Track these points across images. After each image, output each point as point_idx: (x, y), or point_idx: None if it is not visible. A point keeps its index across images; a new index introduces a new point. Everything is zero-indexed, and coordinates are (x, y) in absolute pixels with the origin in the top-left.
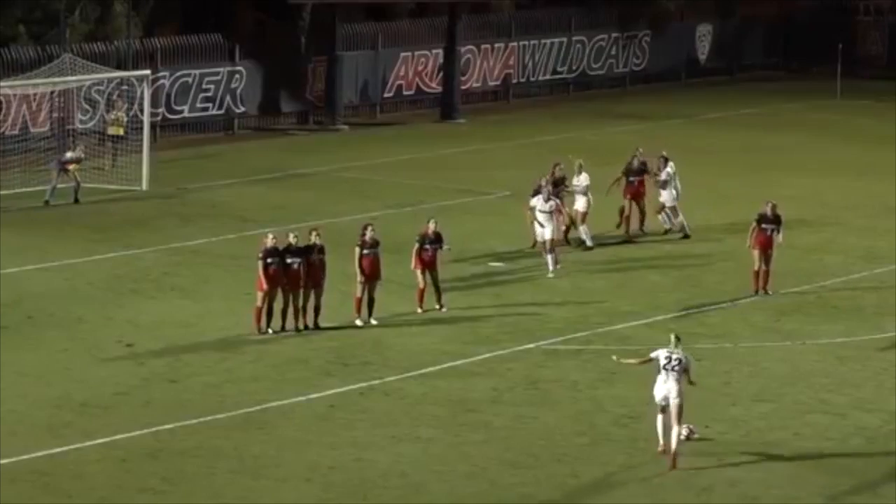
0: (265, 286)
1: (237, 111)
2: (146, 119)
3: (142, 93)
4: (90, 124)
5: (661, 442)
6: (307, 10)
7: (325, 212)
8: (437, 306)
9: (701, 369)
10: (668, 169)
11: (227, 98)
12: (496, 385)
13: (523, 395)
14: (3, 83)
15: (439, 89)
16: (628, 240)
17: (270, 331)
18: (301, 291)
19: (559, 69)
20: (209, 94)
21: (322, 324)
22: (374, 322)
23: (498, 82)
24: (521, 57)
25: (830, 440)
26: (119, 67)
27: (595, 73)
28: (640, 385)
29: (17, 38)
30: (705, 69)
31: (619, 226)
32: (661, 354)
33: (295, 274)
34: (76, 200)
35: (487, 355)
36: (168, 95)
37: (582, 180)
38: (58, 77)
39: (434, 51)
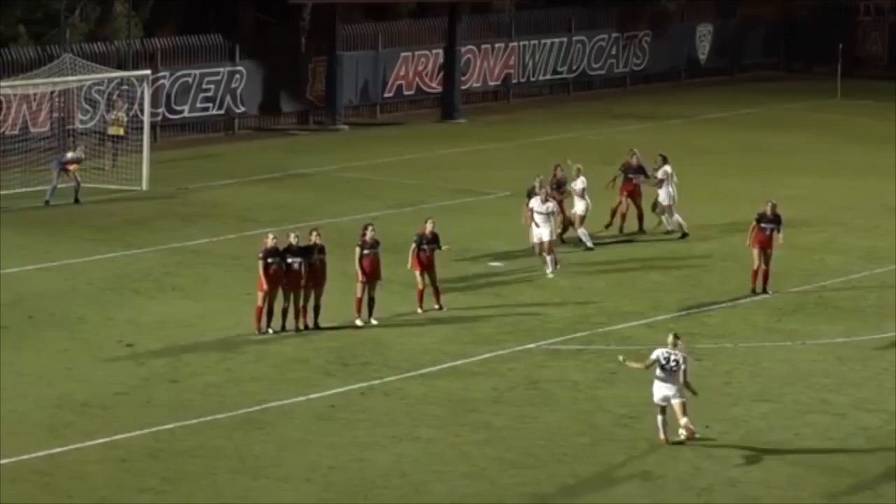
0: (266, 286)
1: (237, 111)
2: (146, 119)
3: (142, 93)
4: (90, 124)
5: (662, 436)
6: (307, 11)
7: (326, 212)
8: (436, 306)
9: (701, 369)
10: (666, 167)
11: (228, 98)
12: (497, 385)
13: (524, 395)
14: (3, 83)
15: (439, 89)
16: (625, 238)
17: (271, 331)
18: (301, 291)
19: (559, 69)
20: (209, 94)
21: (322, 324)
22: (374, 322)
23: (498, 82)
24: (521, 57)
25: (831, 440)
26: (119, 67)
27: (595, 73)
28: (641, 385)
29: (18, 38)
30: (705, 69)
31: (608, 226)
32: (659, 354)
33: (295, 274)
34: (76, 200)
35: (488, 355)
36: (168, 95)
37: (578, 184)
38: (58, 77)
39: (434, 51)
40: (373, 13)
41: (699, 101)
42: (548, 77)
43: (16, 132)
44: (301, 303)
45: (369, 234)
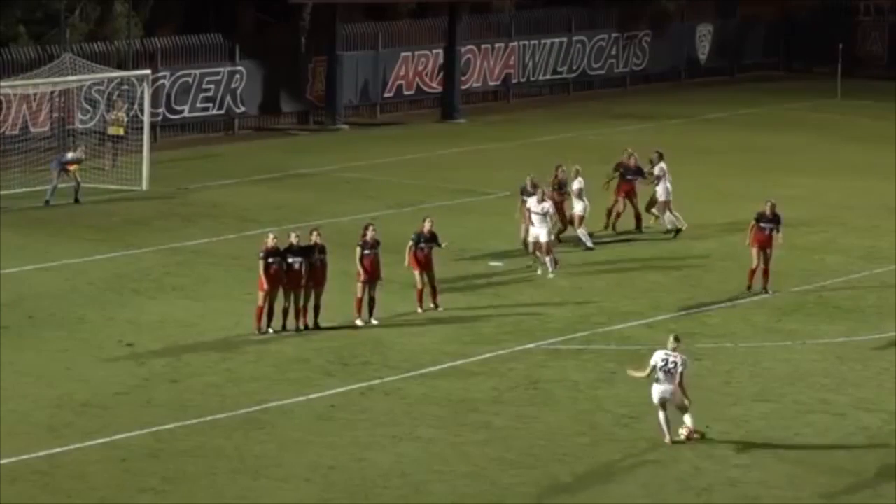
0: (266, 286)
1: (237, 111)
2: (146, 119)
3: (142, 93)
4: (90, 124)
5: (668, 436)
6: (307, 10)
7: (326, 212)
8: (432, 305)
9: (701, 369)
10: (662, 164)
11: (228, 98)
12: (497, 385)
13: (524, 395)
14: (3, 83)
15: (440, 89)
16: (624, 238)
17: (271, 331)
18: (302, 291)
19: (559, 69)
20: (209, 94)
21: (322, 324)
22: (374, 322)
23: (498, 82)
24: (521, 57)
25: (831, 440)
26: (119, 67)
27: (595, 73)
28: (641, 385)
29: (18, 38)
30: (705, 69)
31: (606, 227)
32: (657, 359)
33: (296, 274)
34: (76, 200)
35: (488, 355)
36: (168, 95)
37: (575, 184)
38: (58, 77)
39: (434, 51)
40: (373, 13)
41: (699, 101)
42: (548, 77)
43: (16, 132)
44: (301, 303)
45: (370, 234)
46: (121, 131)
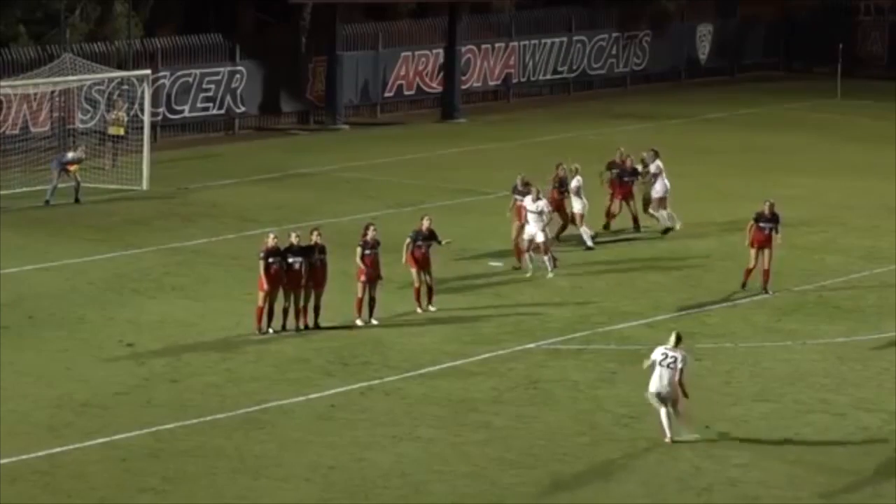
0: (266, 286)
1: (238, 111)
2: (147, 119)
3: (142, 93)
4: (91, 124)
5: (669, 434)
6: (307, 10)
7: (326, 212)
8: (429, 306)
9: (701, 369)
10: (658, 162)
11: (228, 98)
12: (497, 385)
13: (524, 394)
14: (3, 83)
15: (440, 89)
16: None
17: (271, 331)
18: (302, 291)
19: (560, 69)
20: (209, 93)
21: (322, 323)
22: (374, 322)
23: (498, 82)
24: (521, 57)
25: (831, 440)
26: (119, 67)
27: (595, 72)
28: (641, 385)
29: (18, 38)
30: (706, 69)
31: (607, 227)
32: (657, 352)
33: (296, 274)
34: (77, 200)
35: (488, 355)
36: (168, 95)
37: (574, 182)
38: (58, 77)
39: (434, 51)
40: (373, 13)
41: (699, 101)
42: (548, 77)
43: (16, 132)
44: (301, 303)
45: (370, 234)
46: (121, 131)
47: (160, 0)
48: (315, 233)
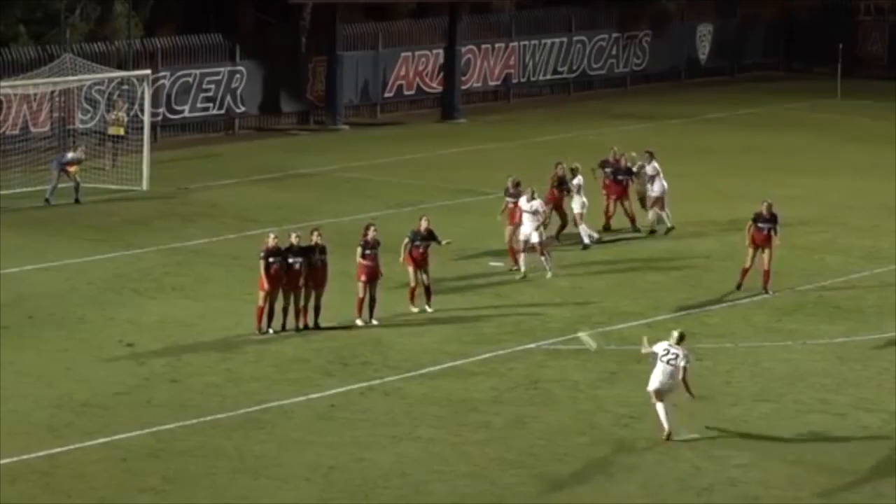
0: (266, 286)
1: (238, 111)
2: (147, 119)
3: (142, 93)
4: (91, 124)
5: (666, 428)
6: (307, 10)
7: (326, 212)
8: (427, 307)
9: (702, 369)
10: (655, 164)
11: (228, 98)
12: (497, 385)
13: (524, 395)
14: (3, 83)
15: (440, 89)
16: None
17: (271, 331)
18: (302, 291)
19: (560, 69)
20: (210, 94)
21: (322, 323)
22: (374, 322)
23: (498, 82)
24: (521, 57)
25: (831, 440)
26: (119, 67)
27: (595, 72)
28: (641, 385)
29: (18, 38)
30: (705, 69)
31: (607, 228)
32: (660, 347)
33: (296, 274)
34: (76, 200)
35: (488, 355)
36: (168, 95)
37: (575, 182)
38: (58, 77)
39: (434, 51)
40: (373, 13)
41: (699, 101)
42: (548, 77)
43: (16, 132)
44: (301, 302)
45: (371, 234)
46: (121, 131)
47: (160, 0)
48: (315, 233)
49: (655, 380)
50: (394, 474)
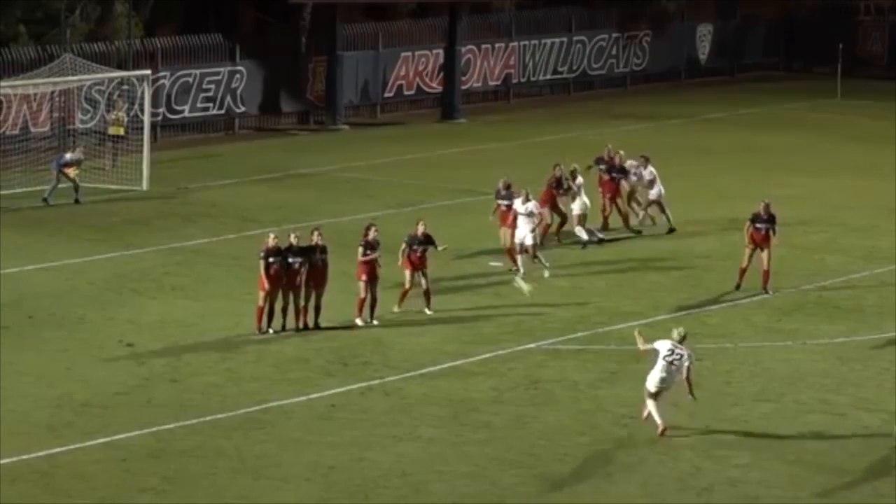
0: (266, 286)
1: (238, 111)
2: (147, 119)
3: (142, 93)
4: (91, 124)
5: (660, 423)
6: (307, 10)
7: (326, 212)
8: (426, 310)
9: (702, 369)
10: (651, 168)
11: (228, 98)
12: (497, 385)
13: (524, 394)
14: (3, 83)
15: (440, 89)
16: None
17: (271, 331)
18: (302, 291)
19: (560, 69)
20: (210, 94)
21: (323, 323)
22: (375, 322)
23: (498, 82)
24: (521, 57)
25: (831, 440)
26: (119, 67)
27: (595, 72)
28: (641, 385)
29: (18, 38)
30: (706, 69)
31: (606, 228)
32: (663, 346)
33: (296, 274)
34: (76, 200)
35: (488, 355)
36: (168, 95)
37: (576, 181)
38: (58, 77)
39: (434, 51)
40: (373, 13)
41: (699, 101)
42: (548, 77)
43: (16, 132)
44: (302, 303)
45: (371, 235)
46: (121, 131)
47: (160, 0)
48: (316, 233)
49: (655, 380)
50: (394, 474)
